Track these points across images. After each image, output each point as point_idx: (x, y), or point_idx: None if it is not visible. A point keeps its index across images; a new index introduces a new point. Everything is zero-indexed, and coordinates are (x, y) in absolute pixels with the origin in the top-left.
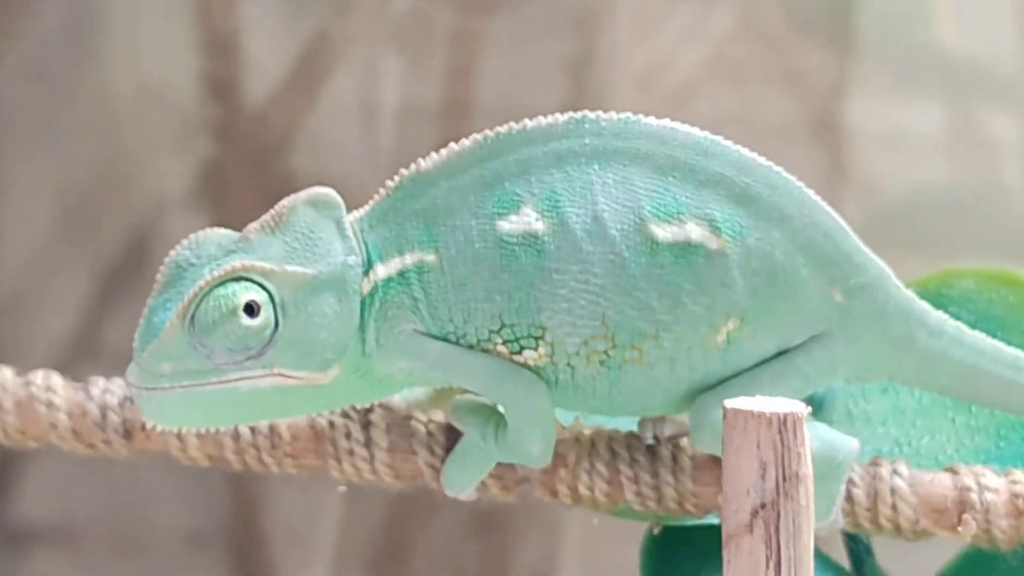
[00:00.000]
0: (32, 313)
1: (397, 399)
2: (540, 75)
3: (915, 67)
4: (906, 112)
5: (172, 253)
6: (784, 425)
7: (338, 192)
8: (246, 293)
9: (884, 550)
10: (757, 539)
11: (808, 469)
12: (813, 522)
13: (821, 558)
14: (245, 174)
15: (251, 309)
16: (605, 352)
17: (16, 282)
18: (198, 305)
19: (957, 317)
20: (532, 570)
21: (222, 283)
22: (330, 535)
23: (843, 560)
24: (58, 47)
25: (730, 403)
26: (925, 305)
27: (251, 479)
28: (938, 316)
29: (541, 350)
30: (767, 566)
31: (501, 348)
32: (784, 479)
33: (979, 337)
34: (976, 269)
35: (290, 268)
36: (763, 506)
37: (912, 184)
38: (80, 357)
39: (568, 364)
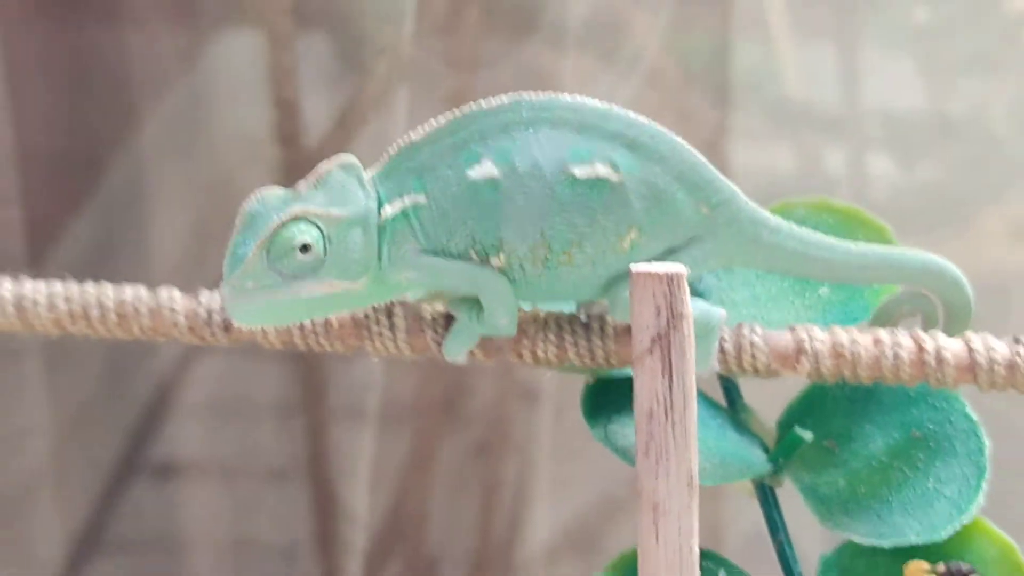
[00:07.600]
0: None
1: (410, 298)
2: None
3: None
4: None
5: (245, 205)
6: (671, 280)
7: None
8: (305, 233)
9: (749, 393)
10: (655, 359)
11: (689, 310)
12: (694, 347)
13: (705, 399)
14: None
15: (306, 247)
16: (545, 257)
17: (166, 266)
18: (272, 240)
19: None
20: None
21: (288, 223)
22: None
23: (720, 399)
24: (183, 110)
25: (634, 267)
26: (767, 212)
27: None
28: (776, 219)
29: (501, 256)
30: (663, 376)
31: (474, 257)
32: (672, 317)
33: (806, 231)
34: (805, 200)
35: (333, 211)
36: (659, 336)
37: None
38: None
39: (520, 266)
